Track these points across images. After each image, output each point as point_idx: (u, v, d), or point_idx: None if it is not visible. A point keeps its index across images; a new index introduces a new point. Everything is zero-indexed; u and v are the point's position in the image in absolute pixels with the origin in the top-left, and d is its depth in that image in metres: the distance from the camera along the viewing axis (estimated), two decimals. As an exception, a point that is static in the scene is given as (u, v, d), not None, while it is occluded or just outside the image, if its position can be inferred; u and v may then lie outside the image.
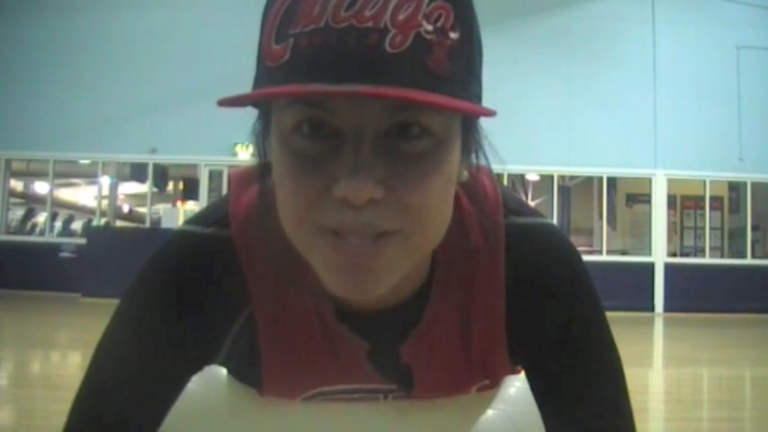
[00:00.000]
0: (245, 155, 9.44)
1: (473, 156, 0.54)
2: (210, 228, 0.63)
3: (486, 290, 0.62)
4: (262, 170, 0.55)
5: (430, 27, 0.44)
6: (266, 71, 0.47)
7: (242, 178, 0.65)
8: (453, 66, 0.46)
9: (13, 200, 11.23)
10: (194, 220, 0.66)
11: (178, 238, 0.65)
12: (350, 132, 0.46)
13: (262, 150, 0.54)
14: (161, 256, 0.64)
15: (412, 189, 0.47)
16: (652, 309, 9.29)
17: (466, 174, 0.56)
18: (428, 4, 0.44)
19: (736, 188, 10.66)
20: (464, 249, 0.61)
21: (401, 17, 0.43)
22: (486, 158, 0.56)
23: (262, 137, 0.54)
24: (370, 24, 0.43)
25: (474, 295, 0.62)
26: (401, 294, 0.60)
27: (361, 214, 0.46)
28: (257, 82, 0.49)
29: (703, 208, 10.13)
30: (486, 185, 0.63)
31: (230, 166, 9.69)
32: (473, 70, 0.49)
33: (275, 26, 0.46)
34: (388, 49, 0.43)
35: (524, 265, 0.62)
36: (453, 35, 0.46)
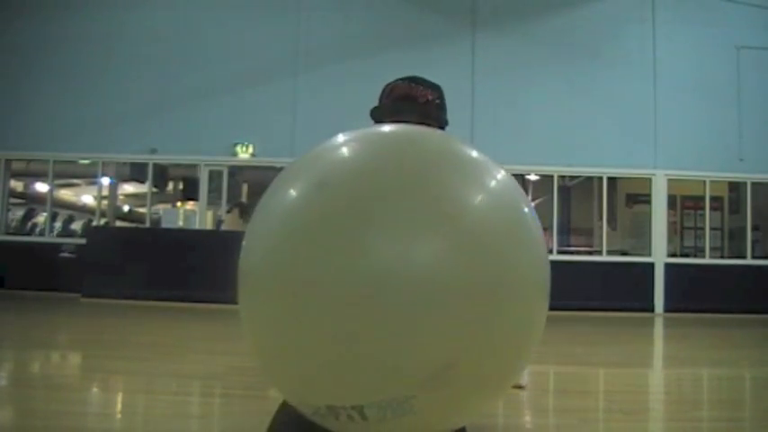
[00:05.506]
0: (245, 155, 9.44)
1: None
2: None
3: None
4: None
5: (432, 97, 1.81)
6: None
7: None
8: (439, 108, 1.82)
9: (13, 200, 11.22)
10: None
11: None
12: None
13: None
14: None
15: None
16: (652, 309, 9.30)
17: None
18: (432, 90, 1.81)
19: (736, 188, 10.66)
20: None
21: (430, 96, 1.81)
22: None
23: None
24: (417, 93, 1.80)
25: None
26: None
27: None
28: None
29: (703, 208, 10.13)
30: None
31: (230, 166, 9.70)
32: (444, 109, 1.85)
33: (386, 93, 1.83)
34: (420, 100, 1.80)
35: None
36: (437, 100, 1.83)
